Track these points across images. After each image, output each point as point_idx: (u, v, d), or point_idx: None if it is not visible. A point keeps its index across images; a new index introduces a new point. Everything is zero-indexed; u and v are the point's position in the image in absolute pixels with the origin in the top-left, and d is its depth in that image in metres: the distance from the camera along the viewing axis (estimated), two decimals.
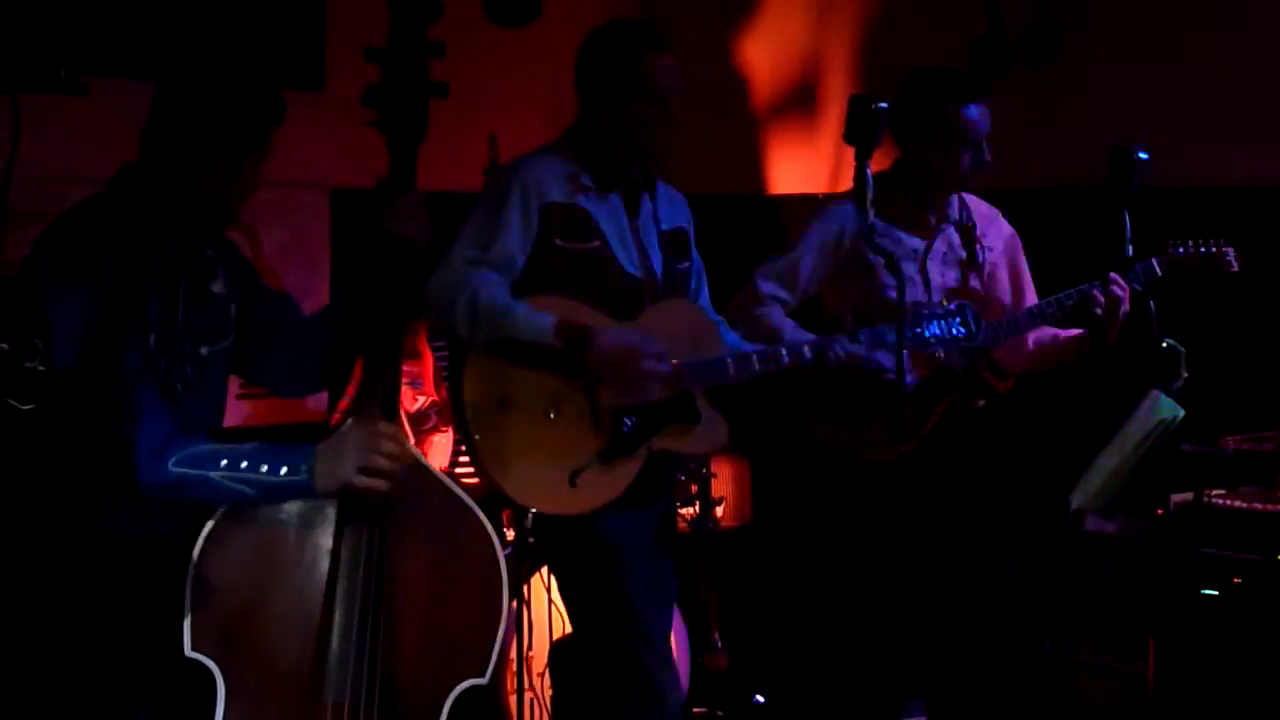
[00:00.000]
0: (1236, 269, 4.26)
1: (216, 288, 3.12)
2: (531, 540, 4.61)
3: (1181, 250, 4.23)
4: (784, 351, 3.86)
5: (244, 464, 2.86)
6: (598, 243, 3.73)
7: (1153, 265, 4.21)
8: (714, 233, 4.24)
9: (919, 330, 3.88)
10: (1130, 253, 4.14)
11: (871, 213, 3.53)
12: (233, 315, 3.16)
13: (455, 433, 3.82)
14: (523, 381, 3.65)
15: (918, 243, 4.28)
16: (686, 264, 3.94)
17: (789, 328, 4.21)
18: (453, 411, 3.79)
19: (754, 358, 3.83)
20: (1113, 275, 4.12)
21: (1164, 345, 4.02)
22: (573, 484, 3.64)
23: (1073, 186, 5.23)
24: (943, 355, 3.99)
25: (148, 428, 2.82)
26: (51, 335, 2.85)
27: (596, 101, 3.77)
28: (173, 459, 2.83)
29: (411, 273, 3.12)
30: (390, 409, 3.02)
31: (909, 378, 4.06)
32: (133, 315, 2.88)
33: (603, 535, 3.70)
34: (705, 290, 4.06)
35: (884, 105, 3.50)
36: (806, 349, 3.87)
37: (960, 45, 5.56)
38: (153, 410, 2.85)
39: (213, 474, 2.85)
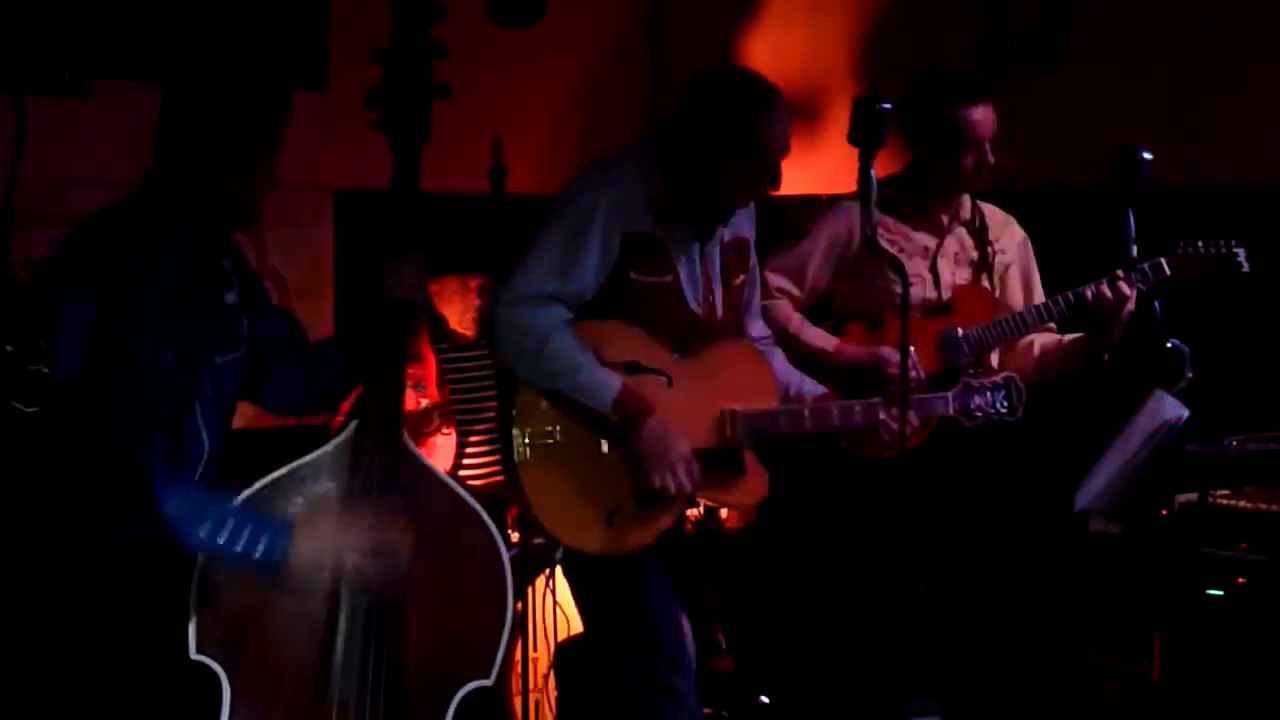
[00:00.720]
0: (1247, 270, 4.25)
1: (230, 298, 3.13)
2: (522, 541, 4.60)
3: (1191, 250, 4.22)
4: (834, 413, 3.80)
5: (227, 532, 2.87)
6: (670, 277, 3.66)
7: (1161, 265, 4.20)
8: None
9: (965, 402, 3.93)
10: (1135, 253, 4.13)
11: (875, 214, 3.52)
12: (245, 327, 3.16)
13: (500, 456, 3.76)
14: (573, 418, 3.59)
15: (929, 241, 4.30)
16: (742, 277, 3.89)
17: (796, 321, 4.22)
18: (501, 438, 3.72)
19: (806, 415, 3.78)
20: (1119, 274, 4.12)
21: (1169, 345, 4.02)
22: (609, 524, 3.60)
23: (1078, 187, 5.23)
24: (978, 421, 3.99)
25: (161, 452, 2.84)
26: (57, 340, 2.85)
27: (697, 152, 3.64)
28: (166, 506, 2.85)
29: (411, 327, 3.14)
30: (394, 437, 3.02)
31: (920, 376, 4.06)
32: (153, 328, 2.88)
33: (633, 561, 3.68)
34: (757, 295, 4.01)
35: (888, 107, 3.50)
36: (858, 411, 3.81)
37: (965, 46, 5.56)
38: (158, 425, 2.87)
39: (197, 533, 2.87)
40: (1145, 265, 4.17)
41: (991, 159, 4.21)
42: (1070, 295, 4.19)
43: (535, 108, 5.68)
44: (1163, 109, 5.35)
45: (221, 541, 2.86)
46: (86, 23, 4.42)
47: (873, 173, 3.52)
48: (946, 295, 4.28)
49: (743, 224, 3.88)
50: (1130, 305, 4.13)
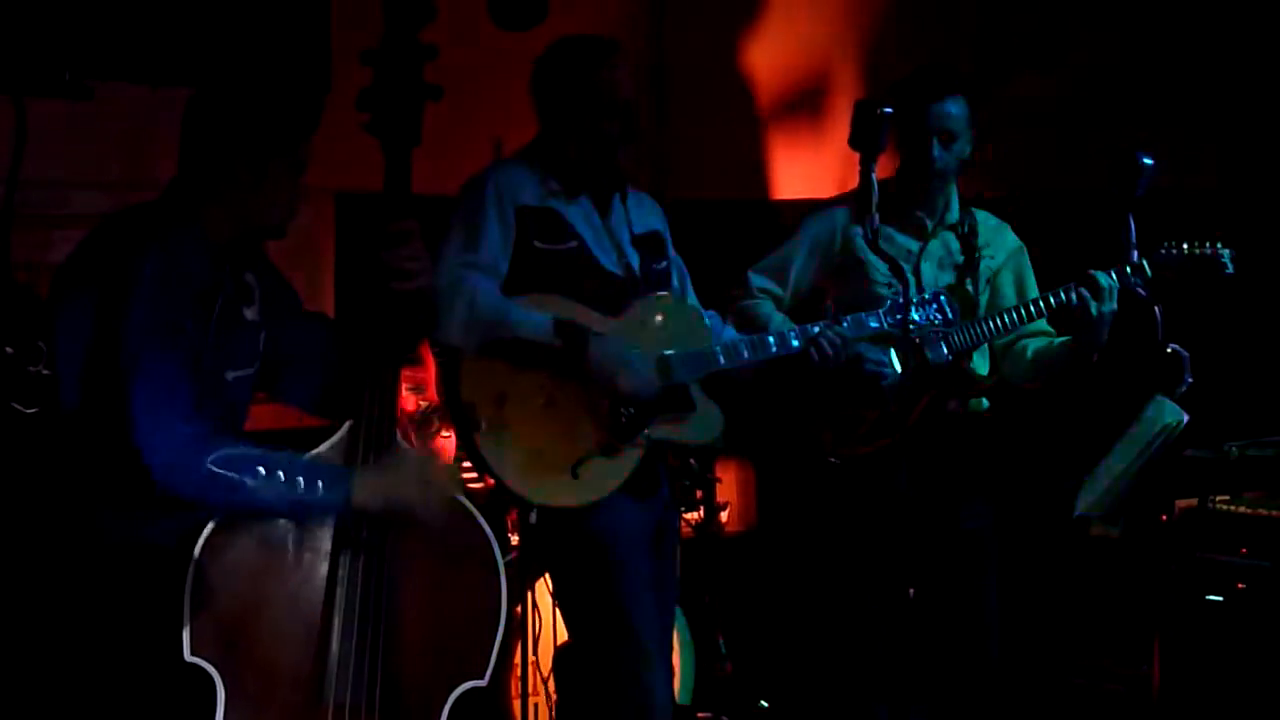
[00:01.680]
0: (1232, 271, 4.23)
1: (250, 314, 3.11)
2: (529, 546, 4.62)
3: (1175, 252, 4.20)
4: (771, 339, 3.91)
5: (281, 474, 2.85)
6: (574, 243, 3.78)
7: (1143, 265, 4.18)
8: (718, 237, 4.25)
9: (899, 317, 3.92)
10: (1136, 257, 4.13)
11: (876, 218, 3.52)
12: (261, 343, 3.14)
13: (456, 435, 3.83)
14: (519, 377, 3.68)
15: (912, 243, 4.29)
16: (665, 263, 3.99)
17: (778, 321, 4.23)
18: (451, 414, 3.80)
19: (742, 345, 3.89)
20: (1091, 273, 4.11)
21: (1169, 350, 4.01)
22: (574, 475, 3.67)
23: (1077, 190, 5.23)
24: (923, 342, 4.00)
25: (167, 427, 2.80)
26: (58, 340, 2.85)
27: (556, 119, 3.83)
28: (210, 457, 2.81)
29: (418, 315, 3.12)
30: (388, 437, 3.02)
31: (895, 373, 4.09)
32: (158, 329, 2.87)
33: (602, 533, 3.72)
34: (690, 289, 4.09)
35: (889, 110, 3.50)
36: (793, 335, 3.92)
37: (966, 49, 5.56)
38: (180, 406, 2.83)
39: (249, 481, 2.83)
40: (1127, 265, 4.16)
41: (952, 150, 4.21)
42: (1050, 296, 4.19)
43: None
44: (1160, 112, 5.35)
45: (281, 478, 2.83)
46: (87, 25, 4.43)
47: (874, 176, 3.53)
48: (929, 290, 4.27)
49: (650, 217, 3.99)
50: (1112, 304, 4.12)
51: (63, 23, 4.04)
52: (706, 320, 3.99)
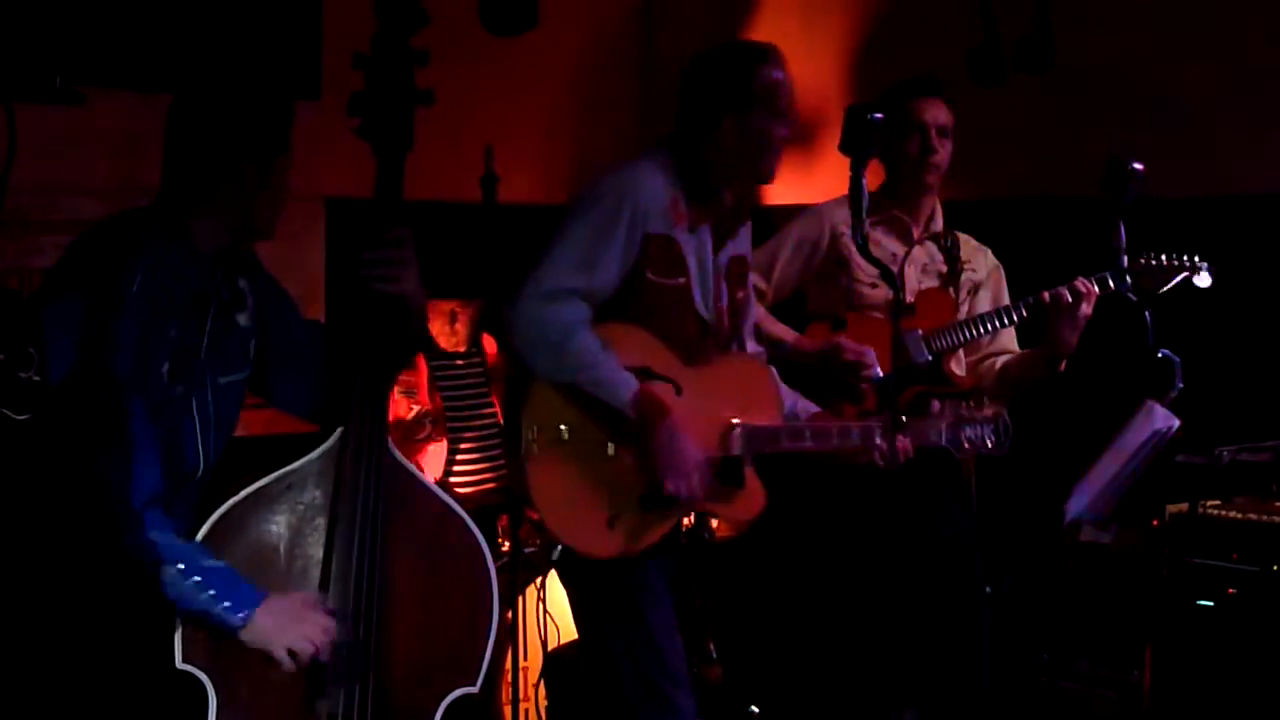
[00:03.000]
0: (1208, 285, 4.24)
1: (242, 320, 3.12)
2: (513, 550, 4.61)
3: (1154, 263, 4.21)
4: (834, 431, 3.80)
5: (197, 578, 2.83)
6: (683, 279, 3.69)
7: (1121, 275, 4.20)
8: None
9: (956, 433, 3.84)
10: (1125, 263, 4.14)
11: (867, 223, 3.53)
12: (253, 349, 3.15)
13: (505, 452, 3.76)
14: (586, 418, 3.59)
15: (898, 248, 4.34)
16: (743, 293, 3.92)
17: (760, 312, 4.25)
18: (507, 430, 3.71)
19: (806, 434, 3.78)
20: (1079, 279, 4.15)
21: (1160, 355, 4.02)
22: (610, 527, 3.61)
23: (1067, 196, 5.24)
24: (965, 453, 3.99)
25: (140, 476, 2.82)
26: (48, 346, 2.84)
27: (727, 130, 3.68)
28: (151, 530, 2.83)
29: (407, 323, 3.09)
30: (378, 444, 3.01)
31: (876, 372, 4.11)
32: (150, 339, 2.87)
33: (633, 583, 3.67)
34: (754, 313, 4.06)
35: (879, 116, 3.51)
36: (855, 433, 3.79)
37: (957, 55, 5.56)
38: (145, 457, 2.85)
39: (168, 569, 2.83)
40: (1106, 273, 4.18)
41: (936, 148, 4.25)
42: (1030, 300, 4.23)
43: (528, 116, 5.69)
44: (1155, 119, 5.36)
45: (185, 583, 2.83)
46: (78, 31, 4.42)
47: (864, 182, 3.53)
48: (910, 299, 4.31)
49: (743, 241, 3.91)
50: (1087, 309, 4.14)
51: (53, 28, 4.03)
52: (779, 388, 3.89)
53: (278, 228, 3.16)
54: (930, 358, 4.18)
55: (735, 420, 3.72)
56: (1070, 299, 4.13)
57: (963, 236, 4.45)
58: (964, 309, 4.37)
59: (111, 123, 4.67)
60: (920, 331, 4.27)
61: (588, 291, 3.57)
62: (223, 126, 3.00)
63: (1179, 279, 4.21)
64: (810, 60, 6.37)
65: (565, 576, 3.85)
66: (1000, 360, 4.38)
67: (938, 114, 4.30)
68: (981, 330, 4.26)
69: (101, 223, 3.03)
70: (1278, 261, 4.93)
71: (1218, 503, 4.46)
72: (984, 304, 4.42)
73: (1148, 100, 5.38)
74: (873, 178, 4.15)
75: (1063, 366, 4.25)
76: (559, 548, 3.67)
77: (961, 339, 4.27)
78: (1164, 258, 4.21)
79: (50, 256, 3.15)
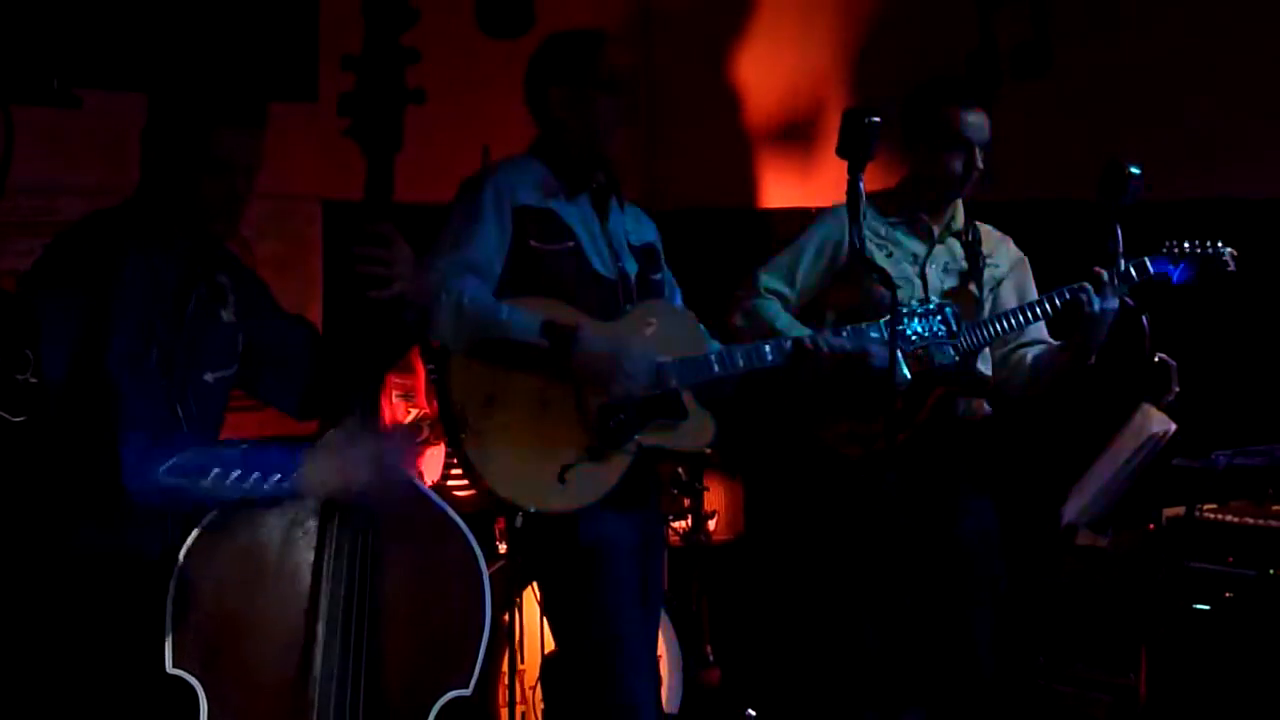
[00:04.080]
0: (1233, 269, 4.23)
1: (226, 315, 3.12)
2: (516, 554, 4.61)
3: (1177, 250, 4.20)
4: (766, 347, 3.86)
5: (236, 470, 2.85)
6: (571, 243, 3.75)
7: (1145, 264, 4.18)
8: (706, 247, 4.25)
9: (900, 327, 3.87)
10: (1123, 267, 4.13)
11: (863, 226, 3.53)
12: (239, 344, 3.15)
13: (445, 437, 3.80)
14: (509, 380, 3.64)
15: (919, 247, 4.30)
16: (659, 275, 3.97)
17: (785, 321, 4.23)
18: (440, 416, 3.78)
19: (737, 353, 3.84)
20: (1095, 269, 4.11)
21: (1156, 359, 4.02)
22: (561, 480, 3.63)
23: (1065, 200, 5.24)
24: (924, 353, 3.98)
25: (137, 434, 2.82)
26: (43, 347, 2.85)
27: (556, 104, 3.80)
28: (163, 467, 2.82)
29: (400, 322, 3.10)
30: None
31: (904, 373, 4.08)
32: (134, 332, 2.88)
33: (589, 541, 3.70)
34: (678, 298, 4.06)
35: (877, 119, 3.50)
36: (788, 342, 3.87)
37: (954, 59, 5.57)
38: (144, 416, 2.85)
39: (204, 482, 2.84)
40: (1130, 264, 4.16)
41: (980, 165, 4.21)
42: (1055, 296, 4.18)
43: (525, 118, 5.66)
44: (1151, 123, 5.36)
45: (235, 476, 2.85)
46: (75, 33, 4.42)
47: (861, 185, 3.53)
48: (934, 299, 4.26)
49: (644, 231, 3.97)
50: (1113, 304, 4.12)
51: (50, 30, 4.03)
52: (700, 326, 3.97)
53: (277, 229, 3.17)
54: (957, 359, 4.12)
55: (661, 358, 3.75)
56: (1096, 292, 4.08)
57: (984, 229, 4.39)
58: (987, 306, 4.33)
59: (109, 124, 4.67)
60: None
61: (468, 263, 3.65)
62: (149, 129, 3.04)
63: (1204, 267, 4.19)
64: (808, 64, 6.38)
65: (528, 560, 3.88)
66: (1031, 353, 4.34)
67: (983, 129, 4.21)
68: (1004, 327, 4.20)
69: (76, 223, 3.05)
70: (1274, 266, 4.93)
71: (1214, 507, 4.45)
72: (1008, 297, 4.37)
73: (1148, 102, 5.39)
74: (889, 174, 4.16)
75: (1093, 359, 4.20)
76: (519, 516, 3.68)
77: (985, 337, 4.22)
78: (1186, 244, 4.19)
79: None
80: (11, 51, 3.78)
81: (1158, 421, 3.97)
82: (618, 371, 3.66)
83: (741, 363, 3.83)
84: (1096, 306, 4.05)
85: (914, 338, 3.90)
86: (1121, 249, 4.11)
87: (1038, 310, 4.20)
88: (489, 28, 5.36)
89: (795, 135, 6.43)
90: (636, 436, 3.72)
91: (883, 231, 4.27)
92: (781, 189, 6.49)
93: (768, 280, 4.31)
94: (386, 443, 2.96)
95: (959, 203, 4.36)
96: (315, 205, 5.41)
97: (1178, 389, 4.00)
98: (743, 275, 4.35)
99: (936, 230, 4.32)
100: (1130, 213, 4.10)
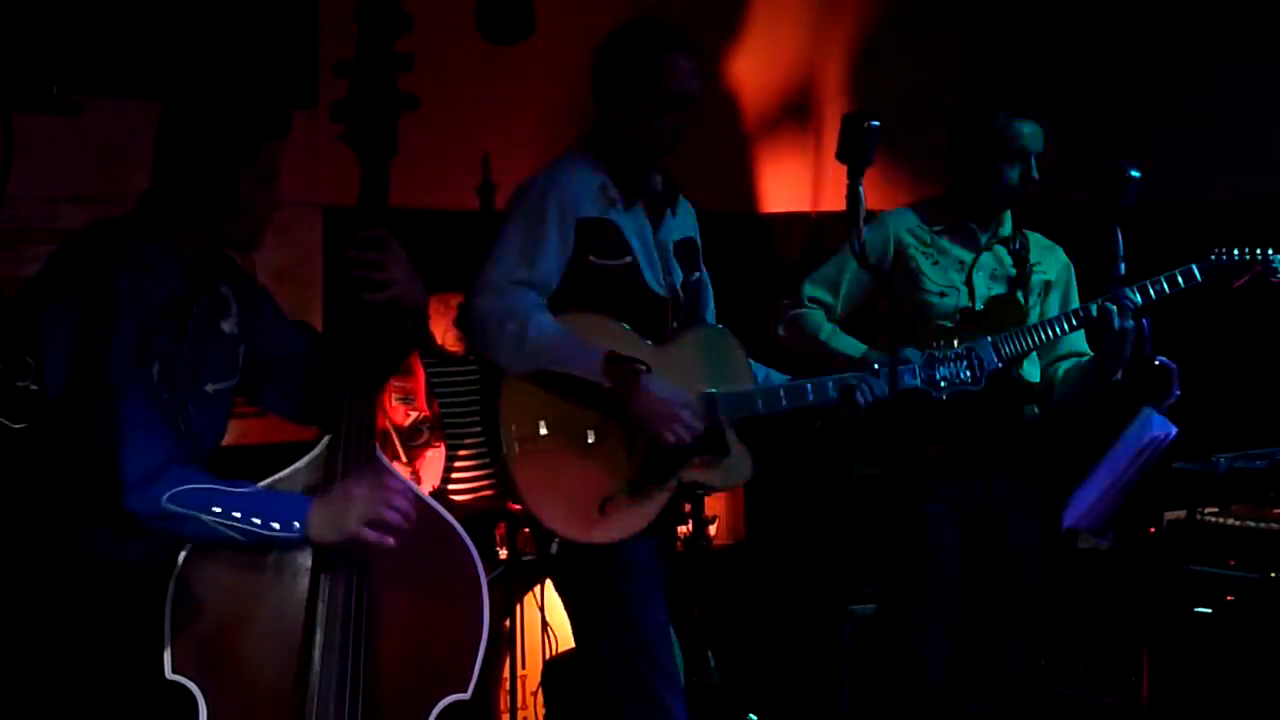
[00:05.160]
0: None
1: (227, 326, 3.11)
2: (511, 558, 4.59)
3: (1226, 257, 4.17)
4: (809, 387, 3.84)
5: (236, 513, 2.85)
6: (629, 259, 3.73)
7: (1192, 271, 4.15)
8: (706, 250, 4.24)
9: (930, 372, 3.91)
10: (1123, 270, 4.12)
11: (863, 230, 3.52)
12: (241, 356, 3.14)
13: (489, 453, 3.78)
14: (562, 406, 3.62)
15: (965, 255, 4.27)
16: (698, 275, 3.95)
17: (827, 331, 4.23)
18: (485, 432, 3.75)
19: (781, 394, 3.83)
20: (1117, 289, 4.08)
21: (1157, 363, 4.02)
22: (602, 511, 3.63)
23: (1063, 202, 5.24)
24: (946, 397, 3.98)
25: (140, 452, 2.81)
26: (44, 354, 2.84)
27: (613, 105, 3.76)
28: (166, 494, 2.81)
29: (397, 328, 3.08)
30: (366, 453, 3.01)
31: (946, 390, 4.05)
32: (135, 344, 2.87)
33: (625, 561, 3.69)
34: (712, 304, 4.05)
35: (876, 124, 3.50)
36: (831, 385, 3.85)
37: (954, 62, 5.58)
38: (147, 434, 2.84)
39: (204, 517, 2.84)
40: (1177, 271, 4.13)
41: (1035, 175, 4.19)
42: (1086, 308, 4.14)
43: (524, 124, 5.67)
44: (1151, 125, 5.36)
45: (236, 517, 2.83)
46: (75, 40, 4.43)
47: (861, 190, 3.52)
48: (980, 308, 4.24)
49: (686, 224, 3.95)
50: (1129, 321, 4.08)
51: (50, 38, 4.03)
52: (742, 351, 3.92)
53: (276, 236, 3.16)
54: (1000, 365, 4.10)
55: (710, 389, 3.74)
56: (1119, 312, 4.05)
57: (1032, 236, 4.37)
58: (1034, 313, 4.30)
59: (110, 132, 4.67)
60: (990, 338, 4.15)
61: (533, 280, 3.63)
62: (186, 136, 3.00)
63: (1253, 273, 4.16)
64: (808, 67, 6.38)
65: (559, 577, 3.87)
66: (1063, 367, 4.33)
67: (1039, 139, 4.18)
68: (1047, 335, 4.17)
69: (82, 231, 3.04)
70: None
71: (1215, 510, 4.46)
72: (1055, 305, 4.35)
73: (1146, 103, 5.39)
74: (881, 184, 4.13)
75: (1119, 375, 4.18)
76: (555, 542, 3.67)
77: (1029, 344, 4.18)
78: (1235, 252, 4.17)
79: None
80: (12, 59, 3.78)
81: (1159, 425, 3.97)
82: (676, 424, 3.64)
83: (785, 403, 3.83)
84: (1115, 324, 4.04)
85: (943, 383, 3.92)
86: (1122, 251, 4.10)
87: (1072, 320, 4.17)
88: (490, 35, 5.37)
89: (795, 139, 6.44)
90: (679, 472, 3.72)
91: (929, 239, 4.26)
92: (780, 193, 6.50)
93: (811, 289, 4.29)
94: (388, 493, 2.95)
95: (1007, 210, 4.33)
96: (315, 212, 5.41)
97: (1179, 392, 3.99)
98: (740, 281, 4.34)
99: (984, 238, 4.29)
100: (1130, 216, 4.09)
